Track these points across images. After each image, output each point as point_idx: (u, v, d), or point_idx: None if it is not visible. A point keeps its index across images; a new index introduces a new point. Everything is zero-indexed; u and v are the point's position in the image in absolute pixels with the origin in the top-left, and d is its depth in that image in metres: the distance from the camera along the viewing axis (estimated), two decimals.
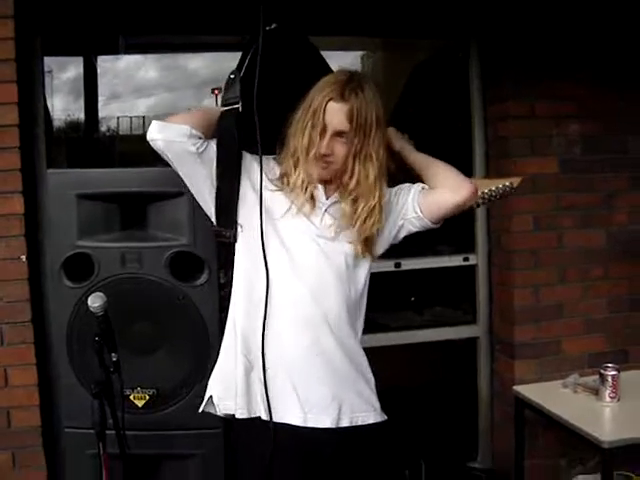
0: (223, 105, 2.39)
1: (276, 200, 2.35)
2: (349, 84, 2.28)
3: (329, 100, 2.27)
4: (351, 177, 2.33)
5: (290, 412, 2.29)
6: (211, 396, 2.41)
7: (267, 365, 2.28)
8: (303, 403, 2.28)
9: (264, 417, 2.29)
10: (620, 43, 3.69)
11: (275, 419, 2.28)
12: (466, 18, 3.78)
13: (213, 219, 2.41)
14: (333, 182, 2.39)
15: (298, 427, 2.28)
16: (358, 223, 2.34)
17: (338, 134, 2.29)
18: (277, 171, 2.40)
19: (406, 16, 3.65)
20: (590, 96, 3.68)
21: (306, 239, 2.33)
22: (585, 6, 3.59)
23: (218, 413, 2.40)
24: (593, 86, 3.66)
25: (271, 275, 2.29)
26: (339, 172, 2.35)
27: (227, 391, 2.37)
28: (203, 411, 2.44)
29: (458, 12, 3.73)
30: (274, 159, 2.42)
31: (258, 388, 2.31)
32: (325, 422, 2.30)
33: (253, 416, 2.31)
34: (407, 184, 2.48)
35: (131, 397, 2.74)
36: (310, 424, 2.29)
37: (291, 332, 2.30)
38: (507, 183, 2.60)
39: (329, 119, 2.27)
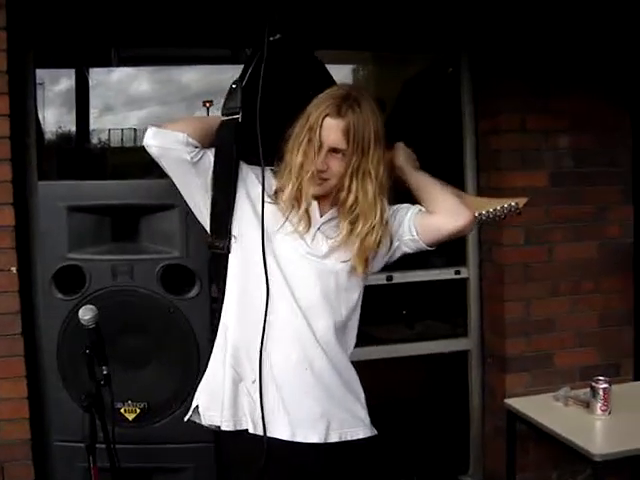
0: (223, 114, 2.36)
1: (271, 214, 2.32)
2: (346, 100, 2.25)
3: (325, 116, 2.24)
4: (348, 194, 2.29)
5: (278, 426, 2.26)
6: (197, 406, 2.39)
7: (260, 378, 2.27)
8: (292, 418, 2.26)
9: (251, 430, 2.27)
10: (610, 57, 3.71)
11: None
12: (457, 32, 3.80)
13: (207, 229, 2.39)
14: (328, 199, 2.37)
15: (286, 442, 2.26)
16: (358, 241, 2.30)
17: (334, 150, 2.26)
18: (273, 184, 2.37)
19: (397, 30, 3.66)
20: (580, 110, 3.70)
21: (297, 256, 2.31)
22: (575, 21, 3.61)
23: (203, 423, 2.38)
24: (583, 100, 3.68)
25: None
26: (335, 189, 2.32)
27: (213, 402, 2.34)
28: (193, 423, 2.41)
29: (449, 26, 3.75)
30: (271, 171, 2.40)
31: (246, 401, 2.29)
32: (313, 438, 2.27)
33: (239, 429, 2.29)
34: (405, 205, 2.43)
35: (122, 410, 2.73)
36: (298, 439, 2.26)
37: (281, 346, 2.28)
38: (513, 203, 2.56)
39: (325, 135, 2.24)
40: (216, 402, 2.33)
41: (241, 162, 2.37)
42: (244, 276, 2.32)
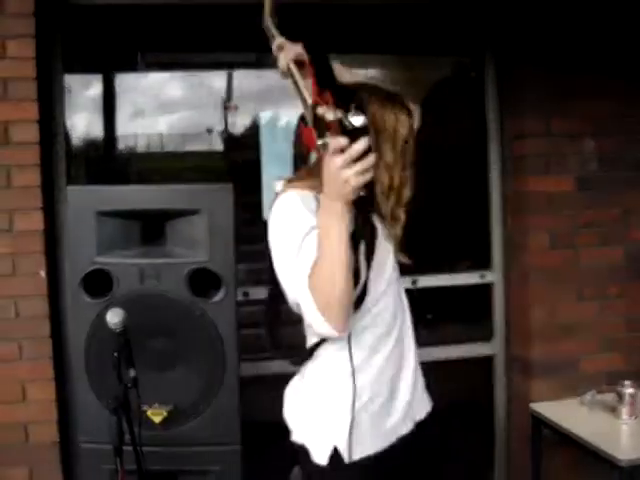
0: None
1: None
2: None
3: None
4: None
5: None
6: None
7: None
8: None
9: None
10: (636, 60, 3.69)
11: None
12: (482, 35, 3.81)
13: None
14: None
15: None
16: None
17: None
18: None
19: (422, 34, 3.68)
20: (606, 113, 3.68)
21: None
22: (601, 24, 3.60)
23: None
24: (609, 103, 3.67)
25: None
26: None
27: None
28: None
29: (474, 29, 3.76)
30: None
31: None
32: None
33: None
34: None
35: (149, 413, 2.74)
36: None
37: None
38: None
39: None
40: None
41: None
42: None
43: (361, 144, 1.66)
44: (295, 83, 1.88)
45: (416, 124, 2.29)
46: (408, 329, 2.32)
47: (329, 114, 1.66)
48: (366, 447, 2.17)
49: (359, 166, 1.67)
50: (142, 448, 2.47)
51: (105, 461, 2.51)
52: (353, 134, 1.67)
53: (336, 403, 2.17)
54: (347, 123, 1.67)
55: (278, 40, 2.02)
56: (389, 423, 2.23)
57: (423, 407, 2.38)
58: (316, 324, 1.94)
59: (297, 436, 2.24)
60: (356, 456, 2.15)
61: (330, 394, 2.18)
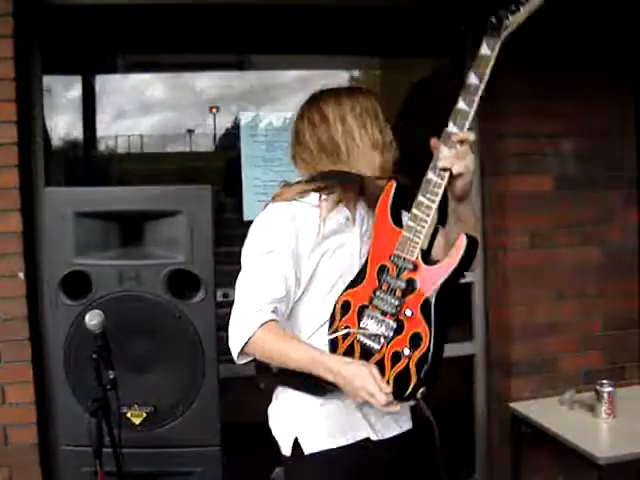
0: None
1: None
2: None
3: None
4: None
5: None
6: None
7: None
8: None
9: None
10: (615, 61, 3.72)
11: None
12: (461, 36, 3.81)
13: None
14: None
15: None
16: None
17: None
18: None
19: (402, 35, 3.69)
20: (585, 114, 3.70)
21: None
22: (579, 24, 3.62)
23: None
24: (588, 104, 3.69)
25: None
26: None
27: None
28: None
29: (453, 31, 3.77)
30: None
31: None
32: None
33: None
34: None
35: (128, 414, 2.74)
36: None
37: None
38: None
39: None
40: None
41: None
42: None
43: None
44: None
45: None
46: None
47: None
48: (327, 441, 2.18)
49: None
50: (122, 450, 2.47)
51: (85, 463, 2.52)
52: None
53: (298, 395, 2.21)
54: None
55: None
56: (354, 420, 2.23)
57: (394, 423, 2.34)
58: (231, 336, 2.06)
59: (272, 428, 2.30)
60: (316, 449, 2.17)
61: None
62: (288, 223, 2.14)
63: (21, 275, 3.08)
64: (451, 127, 2.09)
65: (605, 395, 3.37)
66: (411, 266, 2.08)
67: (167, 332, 2.74)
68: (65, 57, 3.63)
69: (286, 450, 2.21)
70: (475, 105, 2.06)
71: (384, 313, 2.10)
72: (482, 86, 2.07)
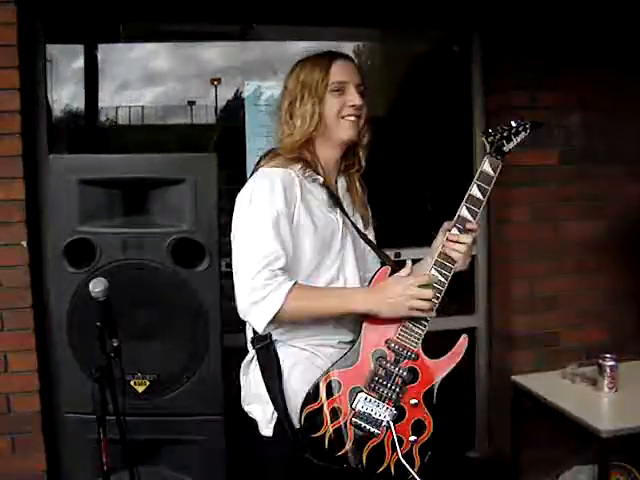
0: None
1: None
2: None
3: (333, 61, 2.29)
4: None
5: None
6: None
7: None
8: None
9: None
10: (621, 35, 3.69)
11: None
12: (469, 9, 3.79)
13: None
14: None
15: None
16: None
17: (357, 87, 2.30)
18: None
19: (408, 6, 3.65)
20: (590, 88, 3.69)
21: None
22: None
23: None
24: (593, 78, 3.67)
25: None
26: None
27: None
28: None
29: (460, 3, 3.74)
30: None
31: None
32: None
33: None
34: None
35: (131, 383, 2.74)
36: None
37: None
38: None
39: (345, 74, 2.30)
40: None
41: None
42: None
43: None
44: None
45: None
46: None
47: None
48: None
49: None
50: (125, 418, 2.46)
51: (88, 431, 2.52)
52: None
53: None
54: None
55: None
56: None
57: None
58: (243, 306, 2.09)
59: (247, 408, 2.33)
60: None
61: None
62: (285, 189, 2.18)
63: (24, 243, 3.07)
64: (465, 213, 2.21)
65: (607, 369, 3.37)
66: (413, 356, 2.17)
67: (171, 301, 2.74)
68: (68, 26, 3.60)
69: (266, 431, 2.23)
70: (479, 215, 2.22)
71: (383, 399, 2.14)
72: (484, 201, 2.22)
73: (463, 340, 2.24)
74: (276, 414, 2.18)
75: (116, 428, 2.44)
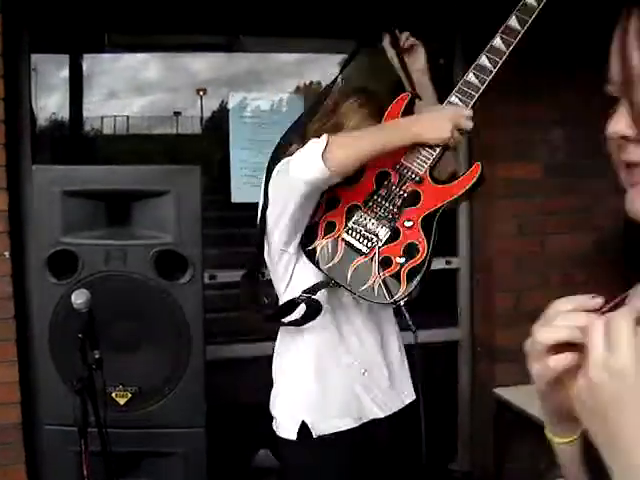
0: None
1: None
2: None
3: None
4: None
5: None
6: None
7: None
8: None
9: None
10: (605, 47, 3.71)
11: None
12: (451, 21, 3.81)
13: None
14: None
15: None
16: None
17: None
18: None
19: (389, 18, 3.66)
20: (574, 102, 3.70)
21: None
22: (569, 14, 3.62)
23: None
24: (577, 92, 3.68)
25: None
26: None
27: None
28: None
29: (443, 15, 3.76)
30: None
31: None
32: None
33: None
34: None
35: (113, 395, 2.73)
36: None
37: None
38: None
39: None
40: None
41: None
42: None
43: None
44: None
45: None
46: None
47: None
48: (336, 423, 2.19)
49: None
50: (107, 430, 2.46)
51: (70, 443, 2.50)
52: None
53: (304, 378, 2.22)
54: None
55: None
56: (362, 401, 2.25)
57: (399, 398, 2.40)
58: (311, 164, 1.98)
59: (273, 411, 2.32)
60: (324, 432, 2.17)
61: (298, 369, 2.24)
62: None
63: (7, 254, 3.06)
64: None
65: None
66: (418, 179, 2.10)
67: (153, 312, 2.73)
68: (53, 35, 3.60)
69: (290, 434, 2.22)
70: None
71: (379, 218, 2.10)
72: (521, 32, 2.32)
73: (476, 166, 2.16)
74: (301, 418, 2.19)
75: (98, 440, 2.43)
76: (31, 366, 3.18)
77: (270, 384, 2.38)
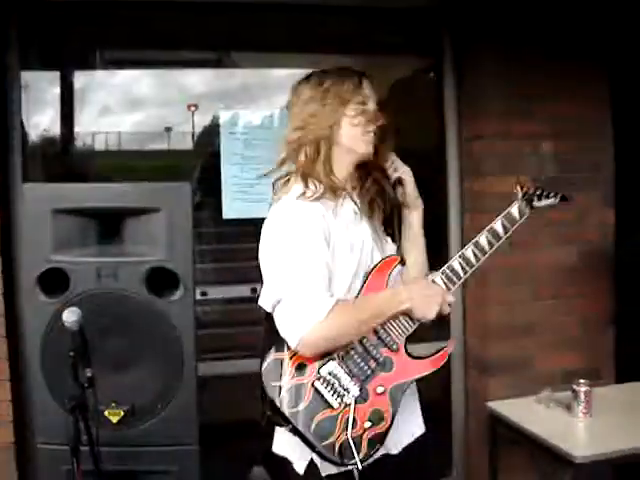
0: None
1: None
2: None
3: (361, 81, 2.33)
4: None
5: None
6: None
7: None
8: None
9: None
10: (593, 63, 3.73)
11: None
12: (441, 35, 3.82)
13: None
14: None
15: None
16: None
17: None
18: None
19: (381, 34, 3.69)
20: (563, 115, 3.72)
21: None
22: (559, 27, 3.64)
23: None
24: (566, 106, 3.70)
25: None
26: None
27: None
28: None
29: (433, 30, 3.78)
30: None
31: None
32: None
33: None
34: None
35: (106, 413, 2.72)
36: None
37: None
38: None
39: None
40: None
41: None
42: None
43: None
44: None
45: None
46: None
47: None
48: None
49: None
50: (99, 448, 2.45)
51: (62, 462, 2.49)
52: None
53: None
54: None
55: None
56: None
57: (410, 432, 2.38)
58: (292, 332, 2.03)
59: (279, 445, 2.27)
60: (332, 471, 2.16)
61: None
62: (321, 220, 2.14)
63: None
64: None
65: (582, 394, 3.38)
66: (394, 347, 2.15)
67: (145, 330, 2.73)
68: (43, 53, 3.60)
69: (297, 467, 2.19)
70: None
71: (352, 375, 2.11)
72: (504, 237, 2.35)
73: (447, 349, 2.24)
74: (309, 456, 2.15)
75: (90, 459, 2.42)
76: (24, 385, 3.18)
77: None
